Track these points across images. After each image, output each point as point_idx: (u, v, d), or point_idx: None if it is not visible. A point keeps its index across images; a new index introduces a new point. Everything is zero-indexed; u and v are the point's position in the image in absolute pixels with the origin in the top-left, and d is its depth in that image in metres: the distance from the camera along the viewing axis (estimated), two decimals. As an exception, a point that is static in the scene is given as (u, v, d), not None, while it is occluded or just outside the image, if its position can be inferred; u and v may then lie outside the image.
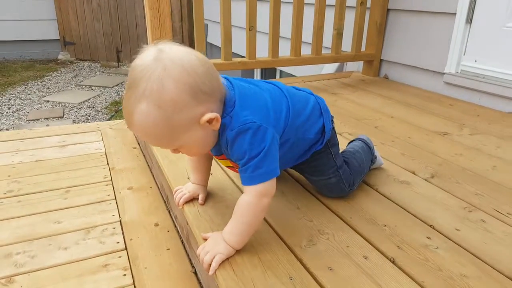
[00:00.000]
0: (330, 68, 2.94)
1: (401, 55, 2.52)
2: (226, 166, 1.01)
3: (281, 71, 4.01)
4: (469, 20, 2.11)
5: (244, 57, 2.20)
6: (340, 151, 1.13)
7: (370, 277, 0.79)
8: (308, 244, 0.89)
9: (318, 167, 1.08)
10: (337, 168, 1.07)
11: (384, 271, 0.81)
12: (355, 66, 2.87)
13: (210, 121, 0.77)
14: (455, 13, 2.15)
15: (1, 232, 1.39)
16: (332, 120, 1.08)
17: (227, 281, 0.77)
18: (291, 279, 0.78)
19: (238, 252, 0.85)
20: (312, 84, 2.44)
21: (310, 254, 0.86)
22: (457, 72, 2.21)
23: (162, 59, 0.71)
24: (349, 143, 1.29)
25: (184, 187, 1.12)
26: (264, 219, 0.99)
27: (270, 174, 0.82)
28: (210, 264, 0.83)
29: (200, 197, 1.09)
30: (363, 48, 2.60)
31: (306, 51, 2.39)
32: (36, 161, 1.92)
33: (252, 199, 0.82)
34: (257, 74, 4.61)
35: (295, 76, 2.98)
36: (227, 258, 0.84)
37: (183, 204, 1.07)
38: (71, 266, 1.23)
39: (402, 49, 2.50)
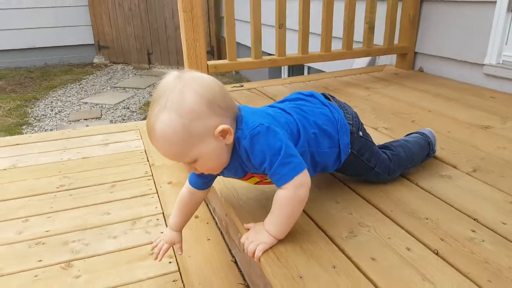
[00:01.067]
0: (361, 62, 2.92)
1: (436, 47, 2.46)
2: (255, 184, 1.03)
3: (309, 68, 4.00)
4: (511, 8, 2.04)
5: (273, 54, 2.22)
6: (389, 142, 1.18)
7: (414, 268, 0.80)
8: (349, 235, 0.91)
9: (353, 170, 1.12)
10: (373, 168, 1.11)
11: (428, 262, 0.82)
12: (388, 60, 2.83)
13: (223, 134, 0.82)
14: (495, 2, 2.08)
15: (57, 222, 1.50)
16: (359, 129, 1.07)
17: (272, 267, 0.81)
18: (334, 268, 0.81)
19: (280, 241, 0.89)
20: (343, 79, 2.44)
21: (351, 245, 0.88)
22: (498, 63, 2.14)
23: (183, 77, 0.80)
24: (408, 134, 1.31)
25: (162, 236, 1.13)
26: (304, 211, 1.02)
27: (299, 166, 0.84)
28: (254, 253, 0.87)
29: (177, 246, 1.12)
30: (396, 41, 2.56)
31: (336, 46, 2.38)
32: (83, 158, 2.03)
33: (288, 193, 0.84)
34: (285, 72, 4.62)
35: (324, 72, 2.97)
36: (270, 247, 0.87)
37: (161, 258, 1.10)
38: (121, 254, 1.31)
39: (438, 41, 2.44)
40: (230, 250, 1.32)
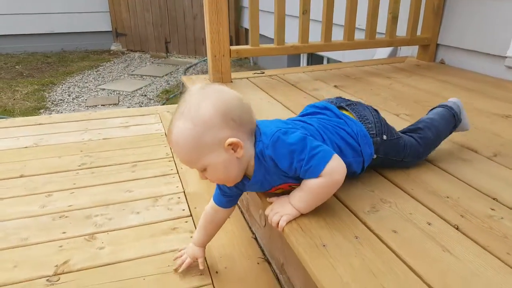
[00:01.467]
0: (382, 53, 2.90)
1: (459, 38, 2.44)
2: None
3: (328, 59, 3.99)
4: (535, 0, 2.01)
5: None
6: (416, 123, 1.20)
7: (435, 240, 0.82)
8: (371, 210, 0.93)
9: (383, 165, 1.13)
10: (402, 159, 1.12)
11: (449, 236, 0.84)
12: (409, 52, 2.81)
13: (234, 147, 0.83)
14: (520, -7, 2.05)
15: (80, 197, 1.54)
16: (383, 132, 1.05)
17: (295, 236, 0.83)
18: (357, 238, 0.83)
19: (303, 214, 0.91)
20: (364, 69, 2.43)
21: (373, 218, 0.90)
22: (521, 56, 2.11)
23: (205, 89, 0.86)
24: (432, 109, 1.28)
25: (186, 249, 1.16)
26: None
27: (327, 154, 0.85)
28: (278, 223, 0.89)
29: (200, 261, 1.13)
30: (418, 32, 2.54)
31: (358, 37, 2.38)
32: (104, 139, 2.08)
33: (322, 180, 0.85)
34: (304, 63, 4.62)
35: (338, 62, 2.97)
36: (294, 219, 0.90)
37: (183, 270, 1.13)
38: (144, 228, 1.35)
39: (461, 33, 2.42)
40: (250, 228, 1.35)
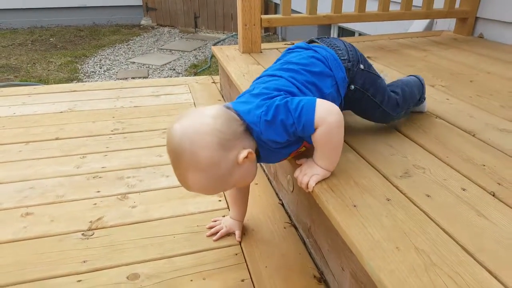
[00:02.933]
0: (417, 27, 2.79)
1: (499, 11, 2.30)
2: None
3: (360, 34, 3.87)
4: None
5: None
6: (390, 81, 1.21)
7: (470, 206, 0.80)
8: (403, 175, 0.91)
9: (358, 107, 1.13)
10: (380, 105, 1.09)
11: (485, 202, 0.81)
12: (446, 25, 2.68)
13: (247, 157, 0.85)
14: None
15: (113, 160, 1.59)
16: (360, 61, 1.05)
17: (325, 196, 0.83)
18: (388, 200, 0.82)
19: (333, 175, 0.90)
20: (398, 41, 2.35)
21: (406, 183, 0.88)
22: None
23: (184, 135, 0.81)
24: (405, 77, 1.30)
25: (223, 220, 1.19)
26: (356, 151, 1.03)
27: (310, 104, 0.84)
28: (308, 184, 0.89)
29: (237, 233, 1.16)
30: (457, 5, 2.41)
31: (394, 8, 2.28)
32: (135, 106, 2.13)
33: (320, 129, 0.84)
34: (334, 34, 4.50)
35: (370, 35, 2.87)
36: (324, 180, 0.89)
37: (217, 240, 1.15)
38: (174, 190, 1.39)
39: (501, 5, 2.27)
40: (277, 194, 1.36)
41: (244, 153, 0.84)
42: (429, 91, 1.50)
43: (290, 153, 0.96)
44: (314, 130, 0.84)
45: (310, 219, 1.05)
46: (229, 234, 1.17)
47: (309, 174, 0.90)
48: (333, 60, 1.02)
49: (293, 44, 2.26)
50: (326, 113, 0.84)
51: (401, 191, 0.85)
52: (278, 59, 1.10)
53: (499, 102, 1.38)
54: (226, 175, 0.85)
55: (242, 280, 1.01)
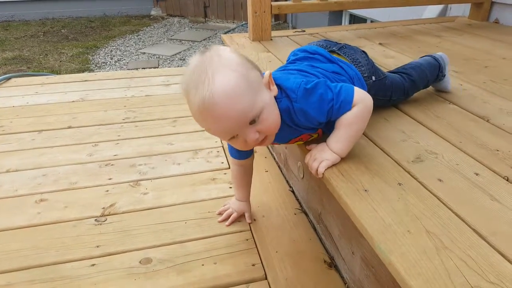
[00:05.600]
0: (431, 13, 2.73)
1: (518, -5, 2.24)
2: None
3: (372, 21, 3.81)
4: None
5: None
6: (403, 65, 1.24)
7: (483, 190, 0.79)
8: (415, 160, 0.90)
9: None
10: (390, 99, 1.16)
11: (499, 186, 0.80)
12: (460, 11, 2.62)
13: (269, 84, 0.82)
14: None
15: (125, 148, 1.61)
16: (373, 73, 1.07)
17: (336, 181, 0.83)
18: (400, 185, 0.81)
19: (343, 161, 0.90)
20: (411, 27, 2.30)
21: (418, 168, 0.87)
22: None
23: (207, 51, 0.77)
24: (421, 57, 1.31)
25: (230, 203, 1.19)
26: (368, 137, 1.02)
27: (349, 86, 0.86)
28: (317, 169, 0.89)
29: (247, 215, 1.16)
30: (472, -11, 2.35)
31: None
32: (146, 95, 2.14)
33: (355, 110, 0.85)
34: (345, 21, 4.44)
35: (382, 22, 2.82)
36: (334, 165, 0.89)
37: (230, 224, 1.15)
38: (185, 177, 1.40)
39: (520, -12, 2.21)
40: (287, 181, 1.36)
41: (267, 72, 0.82)
42: (442, 77, 1.48)
43: (302, 135, 0.95)
44: (350, 108, 0.85)
45: (321, 205, 1.05)
46: (239, 219, 1.17)
47: (319, 159, 0.89)
48: (358, 80, 1.02)
49: (304, 31, 2.25)
50: (363, 96, 0.87)
51: (412, 176, 0.84)
52: (296, 59, 1.06)
53: (515, 87, 1.35)
54: (255, 86, 0.77)
55: (253, 265, 1.02)
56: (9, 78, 2.38)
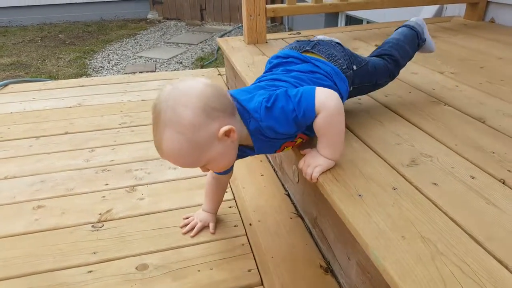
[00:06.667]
0: (426, 13, 2.73)
1: (513, -5, 2.24)
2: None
3: (368, 21, 3.82)
4: None
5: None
6: (382, 45, 1.25)
7: (479, 194, 0.78)
8: (410, 164, 0.90)
9: (360, 93, 1.21)
10: (375, 83, 1.17)
11: (494, 190, 0.80)
12: (456, 11, 2.62)
13: (227, 134, 0.82)
14: None
15: (121, 153, 1.61)
16: (353, 63, 1.08)
17: (330, 185, 0.82)
18: (395, 189, 0.81)
19: (338, 165, 0.90)
20: (406, 29, 2.30)
21: (412, 171, 0.87)
22: None
23: (172, 93, 0.80)
24: (396, 29, 1.31)
25: (196, 214, 1.18)
26: (362, 140, 1.02)
27: (309, 90, 0.85)
28: (312, 175, 0.89)
29: (211, 225, 1.16)
30: (467, -11, 2.36)
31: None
32: (142, 100, 2.14)
33: (321, 115, 0.84)
34: (342, 23, 4.45)
35: (378, 23, 2.83)
36: (328, 170, 0.89)
37: (195, 235, 1.14)
38: (181, 182, 1.39)
39: (516, -12, 2.22)
40: (283, 185, 1.36)
41: (225, 128, 0.81)
42: (438, 78, 1.48)
43: (283, 144, 0.96)
44: (315, 115, 0.84)
45: (316, 210, 1.05)
46: (211, 232, 1.15)
47: (313, 165, 0.89)
48: (335, 74, 1.02)
49: (299, 33, 2.25)
50: (326, 98, 0.84)
51: (407, 180, 0.84)
52: (271, 67, 1.08)
53: (510, 88, 1.35)
54: (203, 145, 0.81)
55: (249, 270, 1.02)
56: (6, 85, 2.38)
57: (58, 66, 4.76)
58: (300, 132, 0.93)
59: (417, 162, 0.91)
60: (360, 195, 0.79)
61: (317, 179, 0.86)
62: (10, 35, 6.09)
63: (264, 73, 1.09)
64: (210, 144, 0.82)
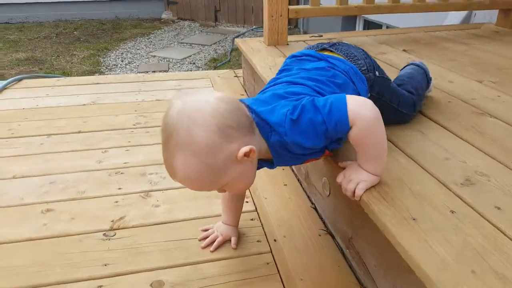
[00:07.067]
0: (454, 19, 2.62)
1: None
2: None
3: (387, 26, 3.71)
4: None
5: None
6: (396, 79, 1.17)
7: (550, 222, 0.68)
8: (465, 183, 0.80)
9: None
10: (396, 108, 1.06)
11: None
12: (487, 18, 2.51)
13: (247, 155, 0.74)
14: None
15: (135, 155, 1.53)
16: (375, 68, 1.02)
17: (377, 205, 0.73)
18: (453, 213, 0.71)
19: (384, 183, 0.80)
20: (434, 34, 2.20)
21: (469, 192, 0.77)
22: None
23: (184, 110, 0.71)
24: (401, 69, 1.28)
25: (216, 227, 1.09)
26: (406, 153, 0.92)
27: (339, 100, 0.75)
28: (354, 192, 0.79)
29: (233, 240, 1.05)
30: (499, -5, 2.25)
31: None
32: (157, 100, 2.06)
33: (356, 127, 0.74)
34: (359, 27, 4.34)
35: (400, 28, 2.72)
36: (373, 187, 0.79)
37: (215, 250, 1.04)
38: (200, 190, 1.30)
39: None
40: (308, 197, 1.26)
41: (245, 149, 0.73)
42: (477, 87, 1.38)
43: (307, 161, 0.88)
44: (349, 127, 0.74)
45: (352, 228, 0.95)
46: (233, 248, 1.06)
47: (355, 181, 0.79)
48: (354, 74, 0.95)
49: (321, 36, 2.15)
50: (360, 107, 0.75)
51: (465, 202, 0.74)
52: (286, 68, 1.00)
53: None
54: (220, 169, 0.73)
55: (276, 293, 0.92)
56: (20, 80, 2.32)
57: (72, 63, 4.73)
58: (328, 146, 0.84)
59: (472, 181, 0.80)
60: (414, 219, 0.69)
61: (360, 197, 0.76)
62: (26, 31, 6.10)
63: (277, 74, 1.01)
64: (229, 166, 0.74)
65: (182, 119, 0.70)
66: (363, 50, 1.05)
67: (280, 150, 0.80)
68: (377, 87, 1.02)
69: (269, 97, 0.83)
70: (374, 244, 0.83)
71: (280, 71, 1.01)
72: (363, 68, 0.98)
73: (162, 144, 0.75)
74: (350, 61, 0.98)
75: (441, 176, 0.82)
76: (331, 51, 1.01)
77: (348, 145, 0.92)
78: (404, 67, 1.29)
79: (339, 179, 0.83)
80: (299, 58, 1.01)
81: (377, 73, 1.01)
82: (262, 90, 0.93)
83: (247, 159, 0.75)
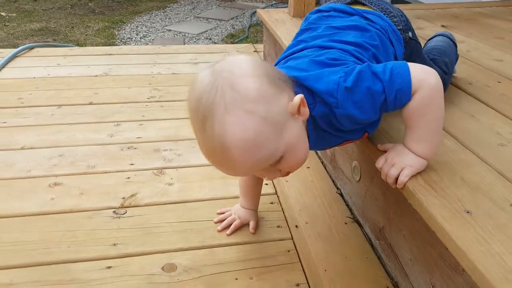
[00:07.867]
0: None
1: None
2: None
3: (417, 1, 3.50)
4: None
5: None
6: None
7: None
8: (526, 173, 0.69)
9: None
10: None
11: None
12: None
13: (299, 109, 0.63)
14: None
15: (149, 129, 1.45)
16: (409, 29, 0.89)
17: (425, 195, 0.63)
18: (514, 207, 0.61)
19: (430, 169, 0.70)
20: (475, 10, 2.03)
21: (531, 184, 0.67)
22: None
23: (220, 71, 0.60)
24: (430, 39, 1.14)
25: (233, 210, 0.99)
26: (455, 137, 0.81)
27: (401, 65, 0.65)
28: (396, 179, 0.69)
29: (251, 224, 0.96)
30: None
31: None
32: (172, 73, 1.97)
33: (419, 95, 0.64)
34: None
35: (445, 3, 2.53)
36: (418, 173, 0.69)
37: (231, 233, 0.96)
38: (215, 169, 1.22)
39: None
40: (333, 182, 1.17)
41: (298, 99, 0.62)
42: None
43: (343, 142, 0.77)
44: (410, 98, 0.64)
45: (385, 218, 0.85)
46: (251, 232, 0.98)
47: (399, 165, 0.69)
48: (392, 32, 0.83)
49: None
50: (425, 74, 0.65)
51: (528, 195, 0.64)
52: (311, 26, 0.85)
53: None
54: (280, 126, 0.60)
55: (297, 285, 0.84)
56: (31, 48, 2.25)
57: (86, 34, 4.65)
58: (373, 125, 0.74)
59: (535, 172, 0.70)
60: (468, 212, 0.59)
61: (404, 184, 0.67)
62: (41, 1, 6.01)
63: (297, 35, 0.87)
64: (284, 123, 0.61)
65: (221, 78, 0.59)
66: (399, 9, 0.92)
67: (322, 126, 0.69)
68: (409, 51, 0.90)
69: (306, 64, 0.70)
70: (411, 237, 0.74)
71: (302, 31, 0.87)
72: (399, 27, 0.86)
73: (196, 126, 0.61)
74: (387, 16, 0.86)
75: (496, 164, 0.71)
76: (363, 4, 0.89)
77: (386, 127, 0.82)
78: (432, 37, 1.15)
79: (379, 163, 0.73)
80: (325, 13, 0.88)
81: (410, 34, 0.89)
82: (284, 57, 0.80)
83: (299, 118, 0.64)
